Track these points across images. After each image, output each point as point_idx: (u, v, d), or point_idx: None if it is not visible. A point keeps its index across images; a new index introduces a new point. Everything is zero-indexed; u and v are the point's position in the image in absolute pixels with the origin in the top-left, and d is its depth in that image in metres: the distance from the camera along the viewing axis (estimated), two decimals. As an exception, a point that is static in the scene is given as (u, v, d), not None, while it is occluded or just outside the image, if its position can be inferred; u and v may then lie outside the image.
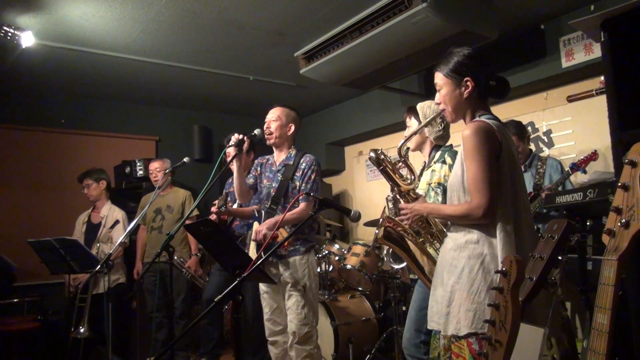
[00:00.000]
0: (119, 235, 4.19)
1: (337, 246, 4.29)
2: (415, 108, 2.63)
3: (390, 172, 2.10)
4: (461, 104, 1.79)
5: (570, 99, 3.59)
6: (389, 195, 2.30)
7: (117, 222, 4.20)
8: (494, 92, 1.81)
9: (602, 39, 2.04)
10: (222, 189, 3.98)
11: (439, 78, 1.82)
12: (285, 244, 2.85)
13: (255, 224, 2.98)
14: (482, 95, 1.80)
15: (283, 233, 2.69)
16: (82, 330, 3.43)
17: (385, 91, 4.61)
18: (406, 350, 2.55)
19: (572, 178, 3.37)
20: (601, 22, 2.02)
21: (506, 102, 4.11)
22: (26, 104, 4.89)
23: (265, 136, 2.94)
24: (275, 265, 2.88)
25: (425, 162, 2.62)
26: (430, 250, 2.13)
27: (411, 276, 2.66)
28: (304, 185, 2.88)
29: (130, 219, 4.17)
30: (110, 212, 4.23)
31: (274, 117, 2.95)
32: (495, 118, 1.77)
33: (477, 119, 1.75)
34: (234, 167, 2.94)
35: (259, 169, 3.08)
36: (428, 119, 2.09)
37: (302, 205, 2.85)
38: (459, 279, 1.66)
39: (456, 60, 1.77)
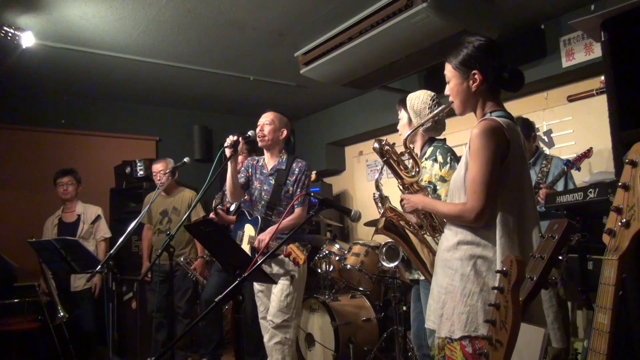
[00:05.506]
0: (103, 230, 4.19)
1: (337, 246, 4.28)
2: (405, 100, 2.57)
3: (394, 164, 2.06)
4: (469, 97, 1.73)
5: (571, 98, 3.59)
6: (374, 194, 2.28)
7: (98, 217, 4.20)
8: (506, 84, 1.72)
9: (603, 39, 2.04)
10: (222, 188, 3.98)
11: (448, 70, 1.77)
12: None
13: (249, 227, 3.01)
14: (492, 88, 1.73)
15: (294, 248, 2.70)
16: (61, 315, 3.62)
17: (385, 91, 4.60)
18: (433, 352, 2.52)
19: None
20: (601, 22, 2.03)
21: (506, 101, 4.09)
22: (26, 104, 4.88)
23: (258, 138, 3.01)
24: (268, 264, 2.92)
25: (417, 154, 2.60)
26: (432, 243, 2.12)
27: (410, 276, 2.64)
28: (298, 190, 2.96)
29: (132, 219, 4.14)
30: (85, 209, 4.21)
31: (267, 121, 3.02)
32: (507, 115, 1.71)
33: (488, 116, 1.68)
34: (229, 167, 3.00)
35: (250, 170, 3.11)
36: (434, 112, 2.01)
37: (297, 210, 2.94)
38: (452, 281, 1.65)
39: (465, 52, 1.70)
